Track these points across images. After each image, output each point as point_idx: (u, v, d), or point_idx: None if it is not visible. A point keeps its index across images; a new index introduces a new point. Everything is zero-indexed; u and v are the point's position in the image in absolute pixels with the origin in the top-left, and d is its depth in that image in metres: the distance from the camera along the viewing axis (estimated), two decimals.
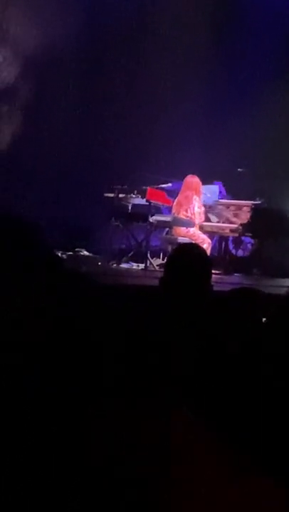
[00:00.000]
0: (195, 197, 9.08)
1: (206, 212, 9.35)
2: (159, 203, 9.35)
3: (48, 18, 9.86)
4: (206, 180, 9.71)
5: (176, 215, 9.16)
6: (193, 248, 2.83)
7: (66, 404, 1.42)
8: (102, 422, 1.38)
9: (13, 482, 1.32)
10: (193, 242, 8.08)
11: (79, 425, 1.38)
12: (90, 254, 9.56)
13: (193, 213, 9.06)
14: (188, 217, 9.07)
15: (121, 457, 1.31)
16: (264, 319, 2.41)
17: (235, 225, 9.36)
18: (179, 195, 9.19)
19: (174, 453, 1.31)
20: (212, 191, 10.05)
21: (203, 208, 9.23)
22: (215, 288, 2.70)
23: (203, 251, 2.86)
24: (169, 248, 9.46)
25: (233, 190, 10.38)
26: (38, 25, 9.81)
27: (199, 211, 9.12)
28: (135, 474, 1.28)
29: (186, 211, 9.08)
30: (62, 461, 1.34)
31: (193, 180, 9.14)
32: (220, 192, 10.32)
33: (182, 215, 9.09)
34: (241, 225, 9.27)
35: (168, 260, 2.75)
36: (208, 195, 9.78)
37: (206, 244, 8.80)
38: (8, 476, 1.33)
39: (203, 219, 9.25)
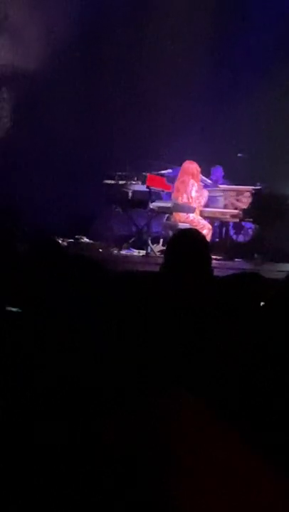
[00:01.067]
0: (192, 181, 9.07)
1: (206, 198, 9.34)
2: (159, 189, 9.35)
3: (46, 16, 9.88)
4: (206, 166, 9.71)
5: (176, 200, 9.16)
6: (192, 233, 2.83)
7: (71, 398, 1.43)
8: (108, 416, 1.39)
9: (19, 480, 1.34)
10: (193, 227, 8.09)
11: (85, 421, 1.40)
12: (91, 241, 9.57)
13: (191, 197, 9.05)
14: (186, 202, 9.06)
15: (128, 448, 1.32)
16: (262, 303, 2.42)
17: (236, 211, 9.36)
18: (177, 180, 9.19)
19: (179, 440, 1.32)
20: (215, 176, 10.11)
21: (202, 193, 9.22)
22: (216, 273, 2.70)
23: (202, 235, 2.86)
24: (170, 234, 9.47)
25: (233, 176, 10.38)
26: (35, 23, 9.81)
27: (197, 195, 9.10)
28: (144, 465, 1.29)
29: (184, 196, 9.07)
30: (70, 456, 1.35)
31: (190, 165, 9.12)
32: (221, 176, 10.36)
33: (182, 201, 9.09)
34: (242, 210, 9.26)
35: (167, 246, 2.74)
36: (209, 182, 9.79)
37: (207, 229, 8.81)
38: (13, 474, 1.34)
39: (202, 203, 9.24)
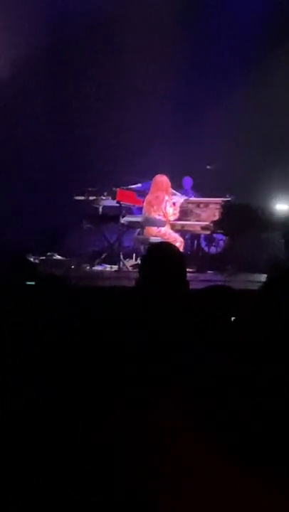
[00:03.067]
0: (165, 196, 9.10)
1: (179, 211, 9.37)
2: (130, 204, 9.36)
3: (16, 23, 9.86)
4: (175, 178, 9.75)
5: (147, 215, 9.17)
6: (166, 246, 2.83)
7: (57, 408, 1.42)
8: (92, 425, 1.38)
9: (13, 480, 1.33)
10: (165, 240, 8.11)
11: (72, 426, 1.39)
12: (63, 258, 9.53)
13: (166, 212, 9.09)
14: (160, 216, 9.09)
15: (116, 453, 1.32)
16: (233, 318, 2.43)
17: (207, 223, 9.39)
18: (149, 195, 9.20)
19: (163, 447, 1.32)
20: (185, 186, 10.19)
21: (175, 207, 9.26)
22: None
23: (177, 249, 2.86)
24: (142, 248, 9.48)
25: (202, 188, 10.43)
26: (6, 30, 9.79)
27: (171, 209, 9.14)
28: (130, 470, 1.29)
29: (158, 210, 9.10)
30: (60, 460, 1.35)
31: (162, 179, 9.16)
32: (190, 187, 10.43)
33: (153, 215, 9.11)
34: (213, 222, 9.30)
35: (142, 260, 2.74)
36: (179, 194, 9.83)
37: (179, 242, 8.82)
38: (9, 474, 1.34)
39: (176, 217, 9.27)
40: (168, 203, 9.09)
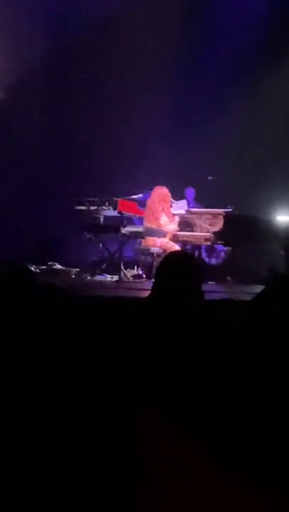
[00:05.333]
0: (164, 206, 9.13)
1: (179, 222, 9.38)
2: (131, 214, 9.37)
3: (15, 31, 9.86)
4: (177, 189, 9.76)
5: (148, 225, 9.19)
6: (184, 255, 2.81)
7: (52, 414, 1.42)
8: (88, 433, 1.38)
9: (8, 488, 1.32)
10: (167, 251, 8.11)
11: (65, 436, 1.39)
12: (64, 268, 9.53)
13: (164, 222, 9.13)
14: (159, 227, 9.12)
15: (103, 466, 1.31)
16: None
17: (208, 234, 9.39)
18: (149, 205, 9.22)
19: (155, 457, 1.31)
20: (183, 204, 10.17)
21: (174, 218, 9.27)
22: None
23: (194, 258, 2.85)
24: (142, 258, 9.48)
25: (204, 199, 10.44)
26: (5, 35, 9.80)
27: (169, 220, 9.17)
28: (123, 479, 1.29)
29: (157, 221, 9.13)
30: (53, 468, 1.34)
31: (161, 191, 9.19)
32: (193, 198, 10.44)
33: (154, 225, 9.13)
34: (213, 233, 9.31)
35: (158, 268, 2.71)
36: (180, 205, 9.83)
37: None
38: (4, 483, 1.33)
39: (175, 228, 9.28)
40: (163, 214, 9.12)
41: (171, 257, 2.73)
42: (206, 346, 2.13)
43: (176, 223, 9.32)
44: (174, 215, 9.35)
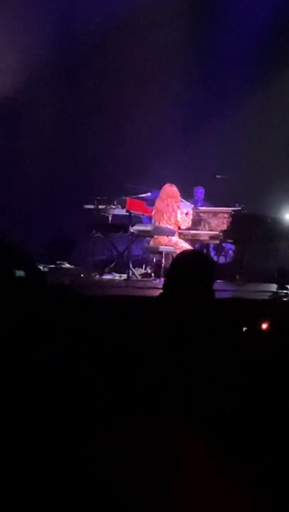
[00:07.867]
0: (173, 204, 9.14)
1: (187, 220, 9.38)
2: (139, 213, 9.37)
3: (24, 29, 9.88)
4: (185, 188, 9.76)
5: (156, 223, 9.19)
6: (197, 254, 2.81)
7: (62, 421, 1.43)
8: (101, 436, 1.38)
9: (13, 493, 1.33)
10: (180, 249, 8.13)
11: (79, 439, 1.39)
12: (72, 267, 9.54)
13: (177, 221, 9.15)
14: (171, 225, 9.13)
15: (121, 469, 1.31)
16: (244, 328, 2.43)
17: (216, 232, 9.39)
18: (159, 203, 9.21)
19: (174, 465, 1.32)
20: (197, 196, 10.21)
21: (186, 214, 9.29)
22: None
23: (207, 258, 2.85)
24: (150, 257, 9.49)
25: (212, 197, 10.44)
26: (14, 36, 9.82)
27: (183, 217, 9.19)
28: (135, 486, 1.29)
29: (169, 219, 9.13)
30: (63, 472, 1.35)
31: (171, 188, 9.19)
32: (202, 197, 10.45)
33: (164, 224, 9.13)
34: (222, 231, 9.30)
35: (171, 265, 2.70)
36: (189, 204, 9.84)
37: None
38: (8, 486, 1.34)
39: (188, 225, 9.31)
40: (179, 212, 9.14)
41: (185, 256, 2.72)
42: (216, 345, 2.13)
43: (186, 221, 9.32)
44: (186, 213, 9.36)
